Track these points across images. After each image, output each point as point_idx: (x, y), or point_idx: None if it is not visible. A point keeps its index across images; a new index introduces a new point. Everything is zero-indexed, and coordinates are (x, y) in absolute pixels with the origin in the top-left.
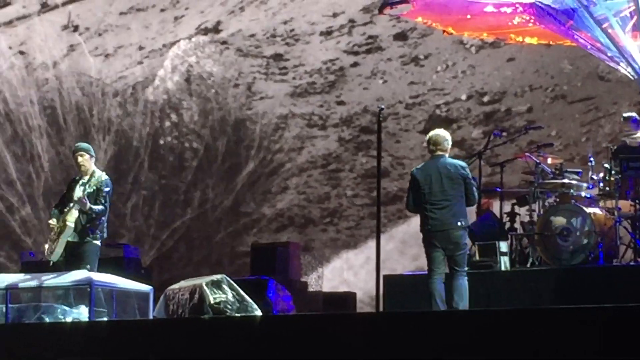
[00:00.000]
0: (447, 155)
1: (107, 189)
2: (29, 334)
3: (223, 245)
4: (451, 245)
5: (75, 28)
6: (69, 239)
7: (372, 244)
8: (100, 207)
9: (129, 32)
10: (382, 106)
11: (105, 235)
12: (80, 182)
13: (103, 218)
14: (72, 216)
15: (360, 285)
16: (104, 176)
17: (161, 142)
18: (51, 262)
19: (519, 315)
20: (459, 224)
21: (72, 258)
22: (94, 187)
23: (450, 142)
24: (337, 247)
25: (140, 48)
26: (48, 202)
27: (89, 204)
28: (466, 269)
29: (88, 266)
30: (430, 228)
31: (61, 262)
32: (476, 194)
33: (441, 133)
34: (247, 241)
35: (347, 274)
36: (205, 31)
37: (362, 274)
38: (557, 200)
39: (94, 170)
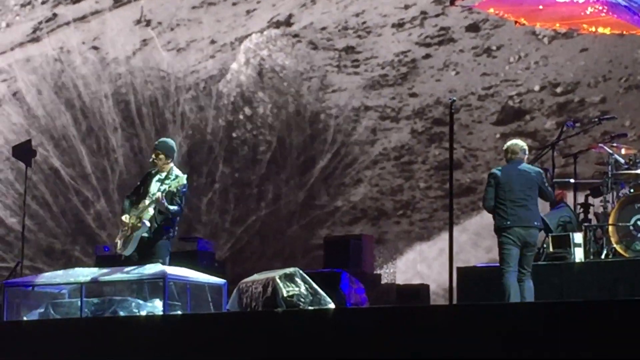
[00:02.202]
0: (524, 162)
1: (184, 190)
2: (104, 328)
3: (296, 239)
4: (529, 243)
5: (148, 23)
6: (143, 235)
7: (445, 236)
8: (176, 207)
9: (201, 26)
10: (454, 98)
11: (176, 234)
12: (157, 177)
13: (177, 218)
14: (148, 214)
15: (434, 277)
16: (182, 178)
17: (234, 135)
18: (123, 257)
19: (595, 308)
20: (536, 223)
21: (145, 254)
22: (173, 188)
23: (526, 152)
24: (410, 239)
25: (212, 42)
26: (122, 196)
27: (166, 204)
28: None
29: (160, 261)
30: (511, 224)
31: (134, 257)
32: (552, 193)
33: (519, 142)
34: (321, 234)
35: (421, 266)
36: (277, 24)
37: (435, 266)
38: (631, 190)
39: (171, 167)
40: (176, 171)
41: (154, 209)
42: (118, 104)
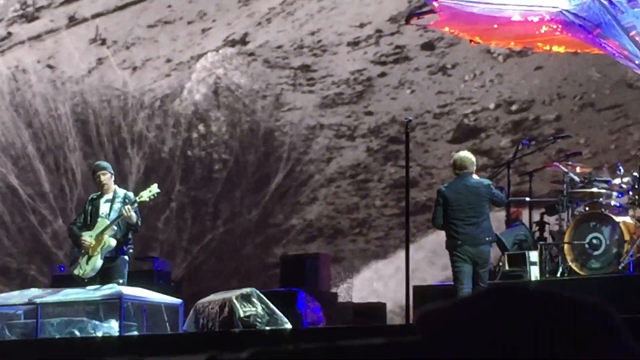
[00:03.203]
0: (473, 175)
1: (135, 205)
2: (61, 349)
3: (252, 257)
4: (480, 260)
5: (103, 41)
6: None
7: (401, 254)
8: (137, 218)
9: (157, 44)
10: (410, 118)
11: (132, 250)
12: (105, 199)
13: (132, 234)
14: (111, 232)
15: (390, 295)
16: (129, 193)
17: (189, 154)
18: (86, 279)
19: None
20: (487, 238)
21: (104, 272)
22: (145, 198)
23: (475, 164)
24: (366, 258)
25: (168, 61)
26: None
27: (135, 216)
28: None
29: (121, 280)
30: (461, 242)
31: (94, 276)
32: (504, 196)
33: (467, 155)
34: (276, 253)
35: (377, 284)
36: (233, 43)
37: (392, 284)
38: (587, 209)
39: (115, 188)
40: (121, 190)
41: (116, 225)
42: (75, 122)
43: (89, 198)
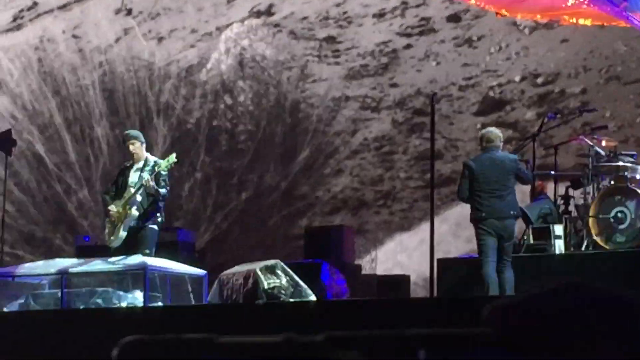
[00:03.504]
0: (499, 150)
1: (164, 173)
2: (85, 319)
3: (277, 229)
4: (505, 234)
5: (129, 12)
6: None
7: (425, 226)
8: (164, 190)
9: (182, 15)
10: (436, 92)
11: (163, 219)
12: (135, 168)
13: (161, 203)
14: (136, 200)
15: (414, 267)
16: (160, 161)
17: (215, 124)
18: (112, 249)
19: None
20: (512, 212)
21: (132, 243)
22: (163, 168)
23: (501, 139)
24: (390, 230)
25: (194, 31)
26: (105, 186)
27: (155, 186)
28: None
29: (147, 251)
30: (486, 215)
31: (121, 247)
32: (529, 174)
33: (494, 130)
34: (301, 224)
35: (401, 256)
36: (258, 14)
37: (415, 256)
38: (612, 183)
39: (146, 156)
40: (152, 158)
41: (141, 194)
42: (102, 92)
43: (122, 166)
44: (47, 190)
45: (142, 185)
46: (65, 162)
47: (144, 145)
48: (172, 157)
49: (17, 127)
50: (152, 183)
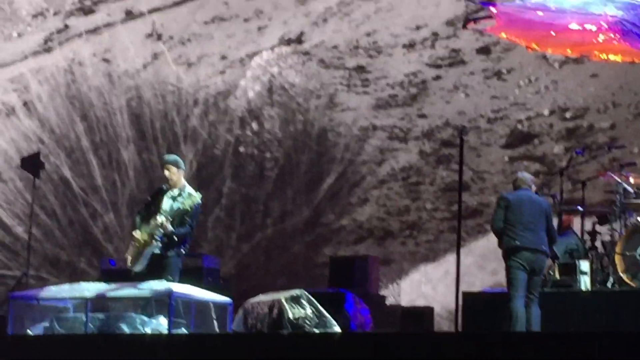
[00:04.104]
0: (532, 191)
1: (198, 210)
2: (109, 344)
3: (301, 256)
4: (537, 268)
5: (159, 36)
6: (154, 251)
7: (450, 257)
8: (184, 229)
9: (212, 41)
10: (465, 125)
11: (187, 251)
12: (170, 194)
13: (188, 236)
14: (161, 231)
15: (438, 299)
16: (196, 197)
17: (242, 150)
18: (133, 273)
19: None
20: (543, 248)
21: (154, 269)
22: (187, 207)
23: (534, 185)
24: (415, 260)
25: (223, 57)
26: (131, 210)
27: (170, 228)
28: None
29: (170, 277)
30: (519, 244)
31: (143, 272)
32: (556, 233)
33: (528, 175)
34: (326, 253)
35: (425, 287)
36: (288, 42)
37: (440, 287)
38: (639, 220)
39: (184, 185)
40: (189, 189)
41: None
42: (130, 117)
43: (159, 187)
44: (72, 214)
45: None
46: (92, 186)
47: (182, 172)
48: (197, 198)
49: (44, 151)
50: (169, 227)
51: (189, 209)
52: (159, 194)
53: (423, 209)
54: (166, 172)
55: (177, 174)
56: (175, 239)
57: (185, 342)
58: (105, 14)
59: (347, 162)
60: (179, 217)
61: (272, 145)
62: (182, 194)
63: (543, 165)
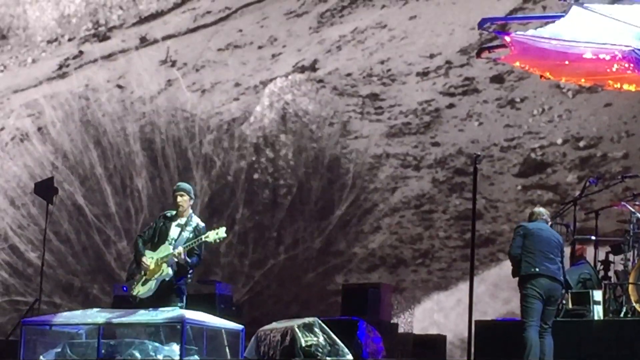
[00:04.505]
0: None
1: (200, 241)
2: None
3: (313, 284)
4: (553, 297)
5: (173, 63)
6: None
7: (463, 286)
8: (195, 259)
9: (226, 68)
10: (479, 153)
11: (191, 278)
12: (177, 223)
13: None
14: (170, 261)
15: (451, 327)
16: (201, 225)
17: (255, 177)
18: (138, 299)
19: None
20: (560, 277)
21: (162, 295)
22: (193, 235)
23: (550, 218)
24: (428, 289)
25: (237, 84)
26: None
27: (186, 259)
28: None
29: (180, 304)
30: (539, 271)
31: (152, 297)
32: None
33: (544, 209)
34: (338, 281)
35: (438, 315)
36: (302, 69)
37: (452, 316)
38: None
39: (191, 214)
40: (195, 219)
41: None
42: (142, 143)
43: (163, 214)
44: (86, 240)
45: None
46: (105, 213)
47: (192, 201)
48: (222, 232)
49: (58, 177)
50: (184, 257)
51: (194, 236)
52: (165, 221)
53: (436, 237)
54: (179, 199)
55: (188, 202)
56: (188, 268)
57: None
58: (120, 40)
59: (359, 189)
60: (188, 245)
61: (285, 172)
62: (189, 222)
63: (556, 194)
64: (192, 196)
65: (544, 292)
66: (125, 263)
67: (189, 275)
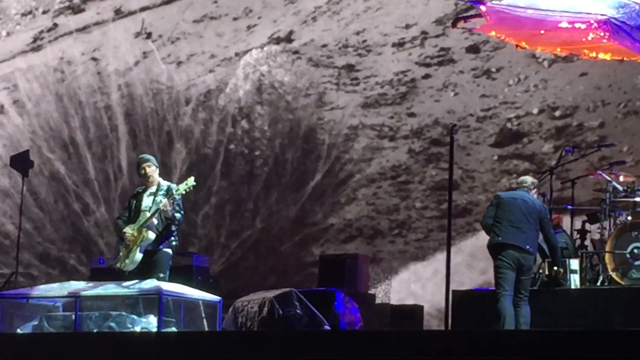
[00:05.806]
0: (531, 194)
1: (178, 197)
2: (99, 343)
3: (290, 255)
4: (524, 267)
5: (149, 35)
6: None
7: (440, 256)
8: (179, 214)
9: (202, 40)
10: (455, 123)
11: (177, 243)
12: (148, 192)
13: (175, 227)
14: (152, 224)
15: (428, 297)
16: (173, 185)
17: (232, 148)
18: (126, 272)
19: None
20: (527, 247)
21: (146, 266)
22: (182, 191)
23: (535, 187)
24: (405, 259)
25: (213, 56)
26: (124, 205)
27: (171, 211)
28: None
29: (162, 274)
30: (502, 240)
31: (135, 270)
32: (556, 240)
33: (530, 177)
34: (314, 252)
35: (415, 286)
36: (278, 40)
37: (429, 286)
38: (629, 218)
39: (159, 181)
40: (165, 183)
41: (157, 217)
42: (122, 115)
43: (134, 192)
44: (64, 208)
45: (158, 208)
46: (84, 180)
47: (157, 169)
48: (191, 181)
49: (37, 144)
50: (169, 207)
51: (169, 196)
52: (137, 196)
53: (412, 208)
54: (147, 169)
55: (154, 171)
56: (173, 228)
57: (175, 341)
58: (95, 13)
59: (335, 160)
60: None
61: (261, 143)
62: (160, 188)
63: (532, 163)
64: (156, 164)
65: (514, 262)
66: (103, 231)
67: (172, 238)
